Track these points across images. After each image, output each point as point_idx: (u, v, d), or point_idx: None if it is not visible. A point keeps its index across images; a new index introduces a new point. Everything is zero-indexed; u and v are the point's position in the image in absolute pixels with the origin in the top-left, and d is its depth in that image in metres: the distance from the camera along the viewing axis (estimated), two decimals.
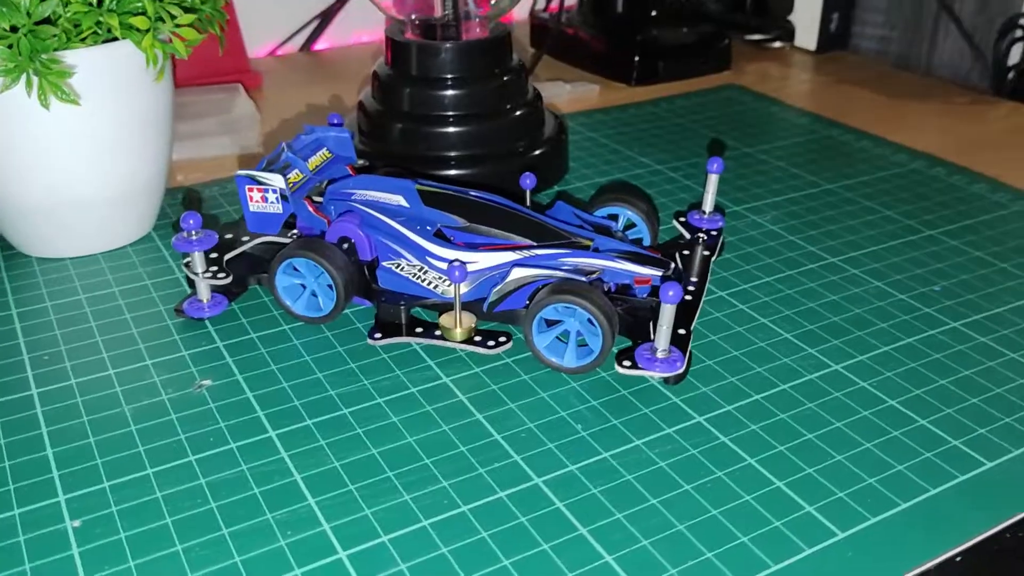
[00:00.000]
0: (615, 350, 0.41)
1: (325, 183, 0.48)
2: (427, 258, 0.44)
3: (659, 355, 0.40)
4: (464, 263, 0.41)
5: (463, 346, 0.42)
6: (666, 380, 0.40)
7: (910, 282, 0.49)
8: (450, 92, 0.57)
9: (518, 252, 0.43)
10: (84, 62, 0.46)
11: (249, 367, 0.42)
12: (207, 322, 0.45)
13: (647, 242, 0.49)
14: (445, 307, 0.44)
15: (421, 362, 0.42)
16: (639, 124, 0.73)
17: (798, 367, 0.42)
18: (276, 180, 0.45)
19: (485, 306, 0.43)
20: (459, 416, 0.39)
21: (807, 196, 0.60)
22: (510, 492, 0.35)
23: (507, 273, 0.43)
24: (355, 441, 0.37)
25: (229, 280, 0.45)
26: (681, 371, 0.40)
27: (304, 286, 0.45)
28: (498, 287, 0.43)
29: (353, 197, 0.46)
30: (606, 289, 0.43)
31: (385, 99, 0.59)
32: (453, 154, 0.57)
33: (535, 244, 0.44)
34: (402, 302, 0.44)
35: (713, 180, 0.51)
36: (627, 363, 0.40)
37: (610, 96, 0.80)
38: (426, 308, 0.45)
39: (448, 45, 0.57)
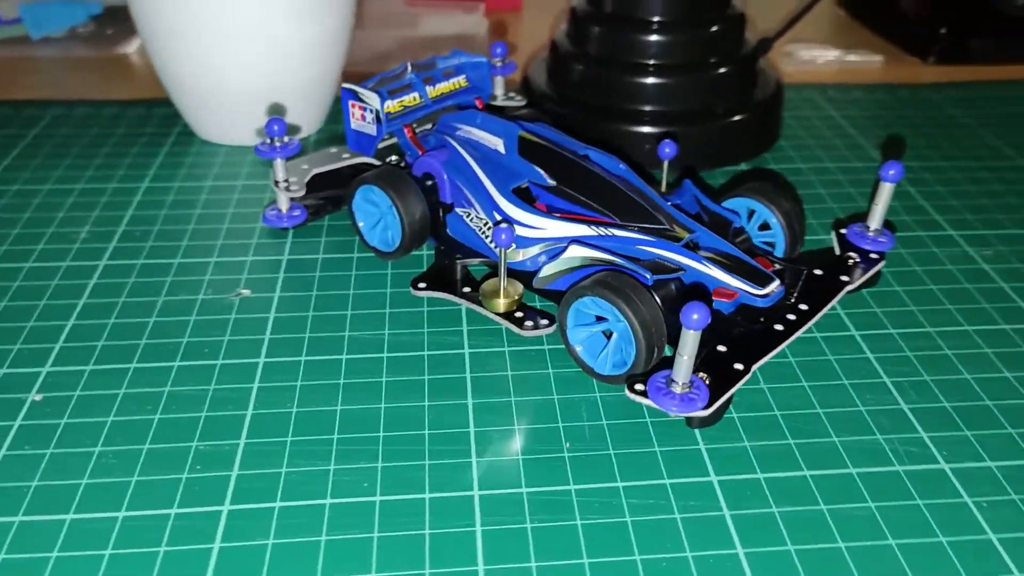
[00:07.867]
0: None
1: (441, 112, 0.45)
2: (494, 212, 0.39)
3: (676, 388, 0.32)
4: (511, 226, 0.36)
5: (500, 319, 0.38)
6: (688, 422, 0.33)
7: None
8: (652, 37, 0.51)
9: (592, 228, 0.38)
10: None
11: (292, 287, 0.41)
12: (290, 231, 0.45)
13: (780, 250, 0.40)
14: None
15: (455, 325, 0.39)
16: (904, 110, 0.60)
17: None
18: (372, 100, 0.43)
19: (534, 280, 0.38)
20: (449, 394, 0.35)
21: None
22: (436, 496, 0.30)
23: (564, 249, 0.37)
24: (325, 392, 0.35)
25: (301, 193, 0.43)
26: (705, 413, 0.32)
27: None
28: (552, 263, 0.38)
29: (457, 132, 0.43)
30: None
31: (578, 38, 0.54)
32: (647, 108, 0.51)
33: (616, 222, 0.38)
34: (458, 255, 0.40)
35: (887, 189, 0.40)
36: (639, 387, 0.33)
37: (895, 72, 0.67)
38: (485, 265, 0.41)
39: None
